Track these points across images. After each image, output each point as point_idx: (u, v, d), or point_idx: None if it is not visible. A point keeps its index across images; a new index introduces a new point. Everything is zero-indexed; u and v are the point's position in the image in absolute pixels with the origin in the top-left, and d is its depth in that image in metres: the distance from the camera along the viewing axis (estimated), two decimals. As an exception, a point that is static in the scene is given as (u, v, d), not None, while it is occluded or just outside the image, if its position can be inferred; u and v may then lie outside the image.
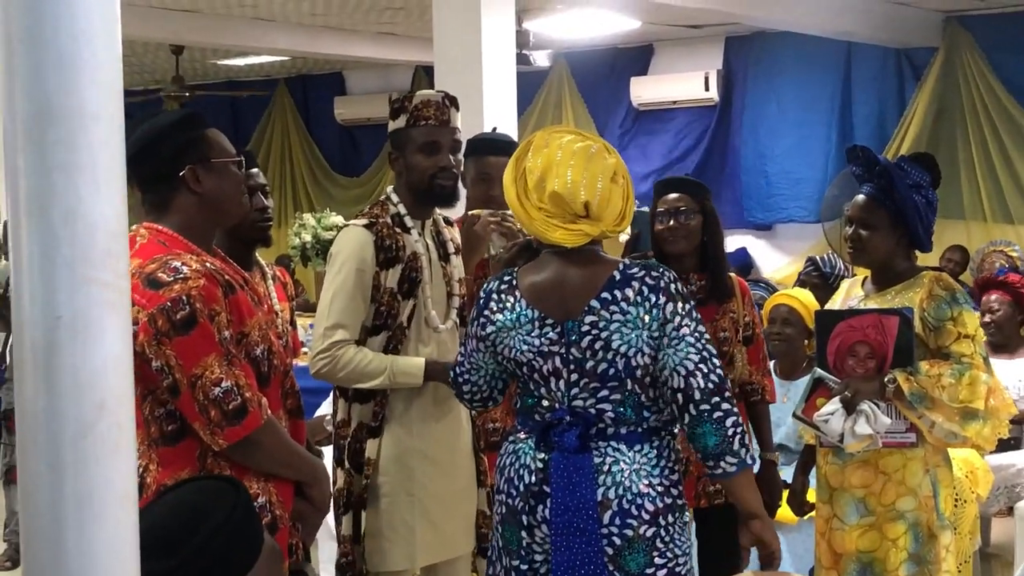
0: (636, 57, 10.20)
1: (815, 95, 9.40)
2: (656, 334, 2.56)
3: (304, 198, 11.99)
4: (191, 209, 2.51)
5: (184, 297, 2.34)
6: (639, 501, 2.57)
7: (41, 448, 1.32)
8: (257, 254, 3.41)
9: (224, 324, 2.39)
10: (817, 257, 6.01)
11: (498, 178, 3.04)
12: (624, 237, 4.06)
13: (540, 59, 8.61)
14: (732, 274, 3.83)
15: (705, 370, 2.55)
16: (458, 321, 3.32)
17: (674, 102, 9.94)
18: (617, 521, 2.57)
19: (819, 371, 3.33)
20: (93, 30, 1.32)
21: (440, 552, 3.27)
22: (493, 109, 5.68)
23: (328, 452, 3.37)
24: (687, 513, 2.77)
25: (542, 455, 2.62)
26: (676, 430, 2.70)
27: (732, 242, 9.19)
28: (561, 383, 2.63)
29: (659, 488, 2.60)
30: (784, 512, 3.88)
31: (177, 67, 10.38)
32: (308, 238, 7.82)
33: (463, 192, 3.38)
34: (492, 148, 3.72)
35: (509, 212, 2.97)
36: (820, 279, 5.71)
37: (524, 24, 7.85)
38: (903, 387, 3.18)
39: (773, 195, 9.62)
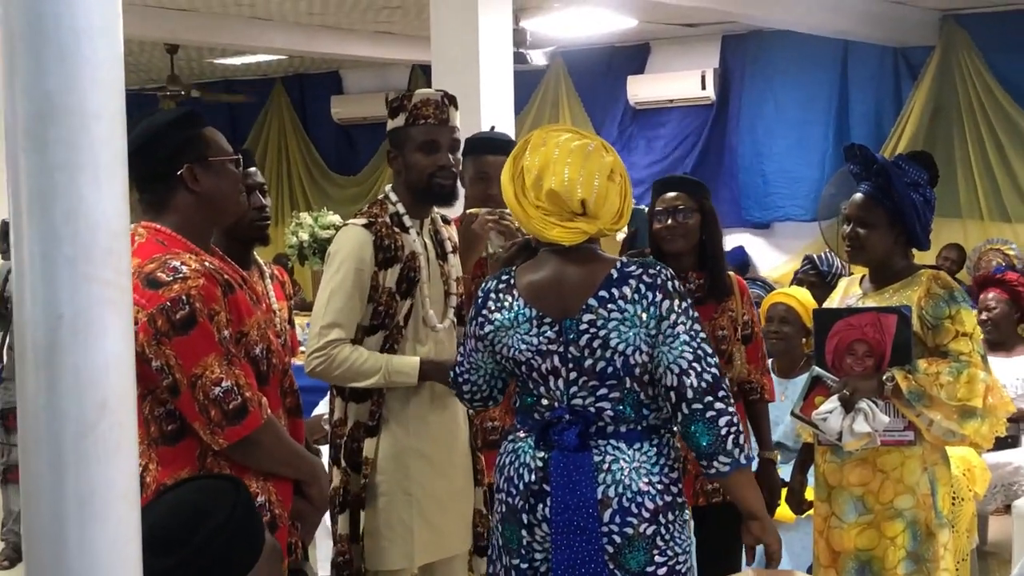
0: (633, 56, 10.19)
1: (812, 94, 9.39)
2: (653, 332, 2.56)
3: (301, 197, 11.99)
4: (189, 208, 2.50)
5: (184, 297, 2.34)
6: (639, 499, 2.57)
7: (43, 447, 1.32)
8: (255, 253, 3.41)
9: (224, 323, 2.38)
10: (814, 256, 6.01)
11: (496, 177, 3.03)
12: (622, 235, 4.05)
13: (537, 58, 8.59)
14: (731, 273, 3.83)
15: (699, 369, 2.54)
16: (455, 320, 3.31)
17: (671, 101, 9.93)
18: (617, 519, 2.56)
19: (817, 369, 3.33)
20: (94, 28, 1.32)
21: (437, 551, 3.27)
22: (490, 108, 5.68)
23: (325, 451, 3.37)
24: (687, 511, 2.77)
25: (542, 454, 2.62)
26: (675, 428, 2.70)
27: (729, 241, 9.18)
28: (560, 382, 2.62)
29: (659, 486, 2.59)
30: (782, 510, 3.88)
31: (172, 66, 10.36)
32: (305, 237, 7.80)
33: (461, 191, 3.37)
34: (490, 147, 3.71)
35: (507, 211, 2.97)
36: (817, 278, 5.71)
37: (521, 23, 7.85)
38: (901, 385, 3.19)
39: (770, 194, 9.61)
